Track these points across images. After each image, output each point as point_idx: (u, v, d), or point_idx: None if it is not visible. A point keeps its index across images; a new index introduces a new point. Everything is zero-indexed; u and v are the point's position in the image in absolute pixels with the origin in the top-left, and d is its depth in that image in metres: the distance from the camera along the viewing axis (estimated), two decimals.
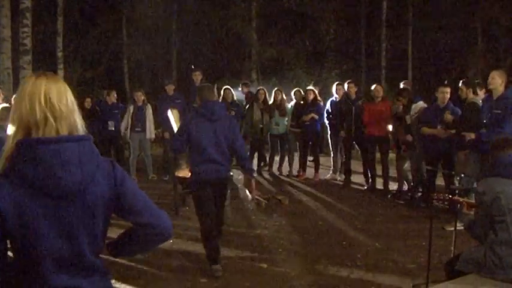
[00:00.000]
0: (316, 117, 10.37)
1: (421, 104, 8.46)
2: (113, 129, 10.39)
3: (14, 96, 9.53)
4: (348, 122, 9.76)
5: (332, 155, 10.68)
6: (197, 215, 5.40)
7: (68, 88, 1.90)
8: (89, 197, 1.84)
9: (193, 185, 5.50)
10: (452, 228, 6.30)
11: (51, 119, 1.79)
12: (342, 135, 9.97)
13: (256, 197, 8.69)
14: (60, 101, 1.83)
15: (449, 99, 7.75)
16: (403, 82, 9.98)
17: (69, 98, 1.88)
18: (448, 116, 7.45)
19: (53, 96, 1.82)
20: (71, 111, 1.86)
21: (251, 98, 11.15)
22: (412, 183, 8.76)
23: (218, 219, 5.53)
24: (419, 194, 8.48)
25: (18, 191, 1.71)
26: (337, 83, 10.64)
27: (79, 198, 1.81)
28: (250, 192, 6.12)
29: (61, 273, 1.82)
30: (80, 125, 1.88)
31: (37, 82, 1.82)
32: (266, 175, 11.00)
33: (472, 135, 6.83)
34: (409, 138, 8.28)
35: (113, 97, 10.84)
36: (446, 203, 5.04)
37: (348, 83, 10.06)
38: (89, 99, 11.02)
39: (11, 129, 1.81)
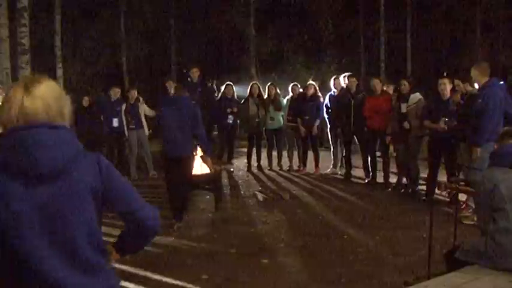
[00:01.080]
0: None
1: (418, 95, 8.45)
2: (117, 125, 10.36)
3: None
4: (347, 115, 9.73)
5: (332, 149, 10.66)
6: None
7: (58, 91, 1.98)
8: (73, 181, 1.86)
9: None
10: (471, 222, 6.35)
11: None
12: (339, 131, 9.91)
13: (257, 192, 8.70)
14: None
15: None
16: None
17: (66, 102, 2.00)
18: (443, 126, 7.49)
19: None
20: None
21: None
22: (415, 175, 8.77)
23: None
24: (420, 186, 8.49)
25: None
26: (334, 77, 10.60)
27: (61, 179, 1.84)
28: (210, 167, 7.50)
29: (55, 268, 1.81)
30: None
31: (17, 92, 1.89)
32: (266, 170, 11.00)
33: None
34: (406, 125, 8.26)
35: (115, 94, 10.77)
36: (448, 191, 5.06)
37: (348, 77, 10.02)
38: (87, 98, 10.99)
39: None
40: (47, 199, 1.81)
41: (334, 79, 10.38)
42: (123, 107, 10.39)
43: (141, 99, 10.65)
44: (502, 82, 7.38)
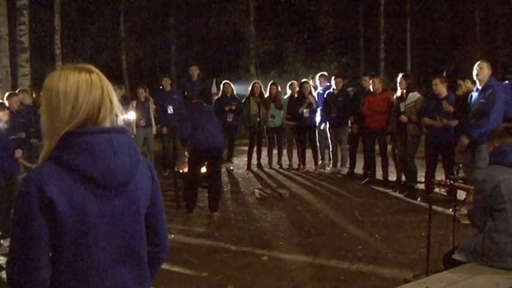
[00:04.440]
0: (315, 105, 10.39)
1: (416, 94, 8.46)
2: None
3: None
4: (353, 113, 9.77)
5: (331, 148, 10.69)
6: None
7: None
8: (135, 189, 1.79)
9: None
10: (468, 222, 6.36)
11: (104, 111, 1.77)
12: (354, 129, 9.90)
13: (257, 190, 8.73)
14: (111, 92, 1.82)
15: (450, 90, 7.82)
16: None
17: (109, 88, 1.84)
18: (448, 107, 7.48)
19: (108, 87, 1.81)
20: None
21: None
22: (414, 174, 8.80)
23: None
24: (419, 184, 8.51)
25: (68, 180, 1.65)
26: (334, 76, 10.64)
27: (127, 189, 1.76)
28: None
29: (113, 269, 1.76)
30: (120, 115, 1.88)
31: (73, 77, 1.75)
32: (266, 168, 11.02)
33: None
34: (404, 119, 8.27)
35: (121, 92, 10.73)
36: (446, 189, 5.08)
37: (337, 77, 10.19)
38: None
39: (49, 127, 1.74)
40: (118, 209, 1.74)
41: (336, 78, 10.40)
42: (134, 104, 10.39)
43: (151, 98, 10.67)
44: (506, 82, 7.38)
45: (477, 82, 6.92)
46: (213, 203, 7.39)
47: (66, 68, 1.78)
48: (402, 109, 8.38)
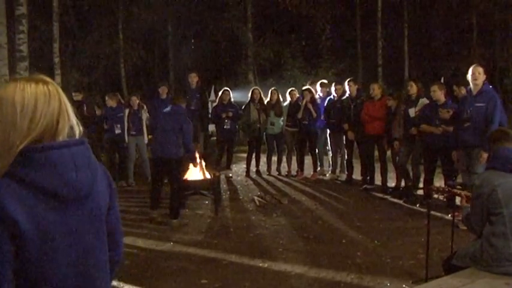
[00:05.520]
0: (315, 114, 10.40)
1: (425, 101, 8.43)
2: (120, 132, 10.35)
3: None
4: (349, 119, 9.79)
5: (331, 154, 10.70)
6: None
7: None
8: (96, 198, 1.76)
9: None
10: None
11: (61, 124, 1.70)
12: (350, 136, 9.91)
13: (256, 197, 8.73)
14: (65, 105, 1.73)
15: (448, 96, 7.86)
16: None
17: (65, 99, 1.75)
18: (445, 113, 7.51)
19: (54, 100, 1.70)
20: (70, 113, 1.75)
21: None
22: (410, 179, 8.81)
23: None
24: (418, 190, 8.52)
25: (28, 197, 1.56)
26: (335, 83, 10.66)
27: (89, 200, 1.72)
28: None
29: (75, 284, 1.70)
30: (76, 126, 1.77)
31: (30, 89, 1.67)
32: (265, 175, 11.03)
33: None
34: (413, 131, 8.25)
35: (116, 100, 10.74)
36: (445, 195, 5.08)
37: (348, 81, 10.11)
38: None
39: None
40: (77, 223, 1.68)
41: (336, 84, 10.43)
42: (126, 112, 10.40)
43: (144, 106, 10.67)
44: (490, 87, 7.44)
45: (472, 86, 6.96)
46: (172, 211, 7.38)
47: (21, 80, 1.69)
48: (412, 114, 8.34)
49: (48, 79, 1.73)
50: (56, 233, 1.62)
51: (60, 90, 1.73)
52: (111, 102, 10.54)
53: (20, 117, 1.62)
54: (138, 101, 10.56)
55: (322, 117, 10.51)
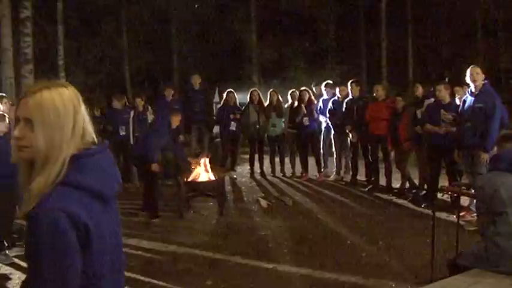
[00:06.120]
0: (316, 115, 10.40)
1: (430, 101, 8.41)
2: (124, 133, 10.36)
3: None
4: (352, 121, 9.79)
5: (335, 155, 10.69)
6: None
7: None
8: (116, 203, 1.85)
9: None
10: (473, 228, 6.36)
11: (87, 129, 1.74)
12: (354, 137, 9.90)
13: (260, 198, 8.74)
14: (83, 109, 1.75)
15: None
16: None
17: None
18: (446, 115, 7.51)
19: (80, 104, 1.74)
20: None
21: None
22: (413, 181, 8.80)
23: None
24: (423, 191, 8.50)
25: (86, 201, 1.61)
26: (339, 84, 10.66)
27: (114, 200, 1.81)
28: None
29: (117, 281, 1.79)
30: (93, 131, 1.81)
31: (65, 94, 1.69)
32: (269, 176, 11.03)
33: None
34: (419, 130, 8.24)
35: (122, 102, 10.75)
36: (453, 194, 5.09)
37: (352, 83, 10.10)
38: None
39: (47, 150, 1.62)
40: (115, 222, 1.78)
41: (340, 86, 10.42)
42: (131, 114, 10.41)
43: (149, 108, 10.68)
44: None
45: (472, 87, 6.99)
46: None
47: (50, 85, 1.68)
48: (419, 116, 8.36)
49: (67, 84, 1.76)
50: (107, 231, 1.68)
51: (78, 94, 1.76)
52: (117, 104, 10.53)
53: (64, 121, 1.64)
54: (143, 103, 10.57)
55: (320, 118, 10.56)
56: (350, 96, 9.96)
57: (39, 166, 1.60)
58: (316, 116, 10.49)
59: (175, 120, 8.15)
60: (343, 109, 9.97)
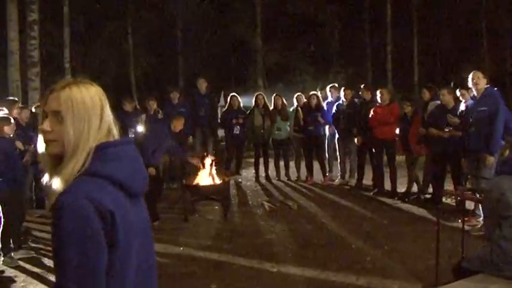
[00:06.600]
0: (322, 121, 10.42)
1: (436, 103, 8.38)
2: (133, 136, 10.39)
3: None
4: (358, 124, 9.80)
5: (339, 160, 10.68)
6: None
7: None
8: (143, 201, 1.82)
9: None
10: (478, 233, 6.34)
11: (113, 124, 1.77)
12: (358, 140, 9.91)
13: (265, 202, 8.74)
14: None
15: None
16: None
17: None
18: (452, 119, 7.51)
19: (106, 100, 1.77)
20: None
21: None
22: (421, 184, 8.79)
23: None
24: (428, 195, 8.49)
25: (112, 192, 1.59)
26: (344, 87, 10.65)
27: (142, 199, 1.80)
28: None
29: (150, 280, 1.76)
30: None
31: (92, 90, 1.73)
32: (274, 180, 11.03)
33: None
34: (422, 131, 8.23)
35: (133, 106, 10.78)
36: (458, 198, 5.08)
37: (363, 87, 10.16)
38: None
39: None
40: (145, 217, 1.77)
41: (345, 89, 10.42)
42: (143, 117, 10.42)
43: (160, 111, 10.68)
44: (495, 89, 7.43)
45: (474, 91, 7.00)
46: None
47: (77, 82, 1.73)
48: (426, 119, 8.37)
49: (92, 82, 1.79)
50: (135, 225, 1.64)
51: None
52: (128, 106, 10.54)
53: (93, 116, 1.67)
54: (155, 106, 10.58)
55: (325, 123, 10.59)
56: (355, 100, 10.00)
57: (67, 158, 1.63)
58: (322, 121, 10.47)
59: (177, 124, 8.15)
60: (348, 113, 9.98)
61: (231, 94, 11.26)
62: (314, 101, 10.53)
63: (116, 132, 1.75)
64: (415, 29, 20.81)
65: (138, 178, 1.72)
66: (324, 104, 10.72)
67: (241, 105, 11.11)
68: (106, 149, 1.66)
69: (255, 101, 11.11)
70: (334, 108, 10.40)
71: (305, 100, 10.84)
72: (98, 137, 1.67)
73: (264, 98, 11.15)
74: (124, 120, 10.42)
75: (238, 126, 10.77)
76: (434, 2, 20.87)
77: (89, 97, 1.69)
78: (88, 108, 1.68)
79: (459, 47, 20.92)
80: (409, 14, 20.89)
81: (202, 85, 11.24)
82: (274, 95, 11.31)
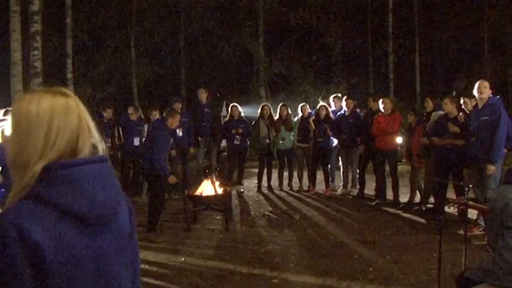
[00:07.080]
0: (330, 133, 10.43)
1: (439, 113, 8.42)
2: (138, 144, 10.42)
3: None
4: (362, 134, 9.82)
5: (342, 169, 10.68)
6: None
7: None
8: (120, 224, 1.62)
9: None
10: (481, 242, 6.32)
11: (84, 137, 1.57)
12: (361, 150, 9.92)
13: (267, 212, 8.73)
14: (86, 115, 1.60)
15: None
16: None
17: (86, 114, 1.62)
18: (453, 128, 7.51)
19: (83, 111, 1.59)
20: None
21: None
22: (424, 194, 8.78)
23: None
24: (430, 205, 8.47)
25: (53, 220, 1.41)
26: (345, 98, 10.67)
27: (112, 225, 1.58)
28: None
29: None
30: (99, 144, 1.62)
31: (46, 101, 1.53)
32: (276, 190, 11.02)
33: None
34: (424, 141, 8.24)
35: (138, 115, 10.83)
36: (461, 208, 5.06)
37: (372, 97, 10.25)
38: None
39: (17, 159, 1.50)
40: (104, 247, 1.54)
41: (347, 99, 10.44)
42: (146, 127, 10.44)
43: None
44: (498, 97, 7.45)
45: (478, 100, 7.02)
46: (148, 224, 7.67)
47: (39, 91, 1.56)
48: (428, 129, 8.37)
49: (68, 92, 1.60)
50: (83, 257, 1.47)
51: (81, 105, 1.60)
52: (134, 116, 10.61)
53: (34, 131, 1.48)
54: (158, 116, 10.60)
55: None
56: (357, 110, 10.04)
57: (15, 177, 1.50)
58: (331, 133, 10.45)
59: (173, 121, 8.08)
60: (350, 123, 10.01)
61: (232, 104, 11.29)
62: (323, 112, 10.53)
63: (87, 150, 1.56)
64: (417, 39, 20.86)
65: (101, 205, 1.51)
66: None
67: (242, 114, 11.12)
68: (55, 170, 1.46)
69: (261, 112, 11.15)
70: (336, 118, 10.43)
71: (309, 111, 10.88)
72: (49, 155, 1.48)
73: (269, 108, 11.18)
74: (129, 129, 10.51)
75: (238, 137, 10.77)
76: (436, 11, 20.94)
77: (35, 110, 1.50)
78: (29, 123, 1.50)
79: (461, 56, 20.96)
80: (410, 23, 20.95)
81: (203, 95, 11.27)
82: (281, 105, 11.35)
